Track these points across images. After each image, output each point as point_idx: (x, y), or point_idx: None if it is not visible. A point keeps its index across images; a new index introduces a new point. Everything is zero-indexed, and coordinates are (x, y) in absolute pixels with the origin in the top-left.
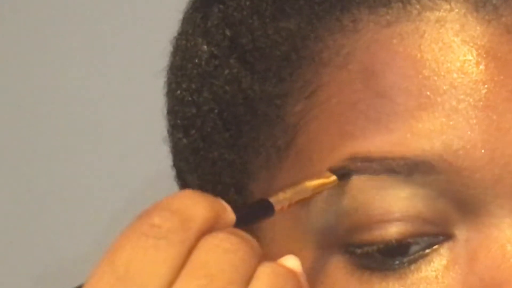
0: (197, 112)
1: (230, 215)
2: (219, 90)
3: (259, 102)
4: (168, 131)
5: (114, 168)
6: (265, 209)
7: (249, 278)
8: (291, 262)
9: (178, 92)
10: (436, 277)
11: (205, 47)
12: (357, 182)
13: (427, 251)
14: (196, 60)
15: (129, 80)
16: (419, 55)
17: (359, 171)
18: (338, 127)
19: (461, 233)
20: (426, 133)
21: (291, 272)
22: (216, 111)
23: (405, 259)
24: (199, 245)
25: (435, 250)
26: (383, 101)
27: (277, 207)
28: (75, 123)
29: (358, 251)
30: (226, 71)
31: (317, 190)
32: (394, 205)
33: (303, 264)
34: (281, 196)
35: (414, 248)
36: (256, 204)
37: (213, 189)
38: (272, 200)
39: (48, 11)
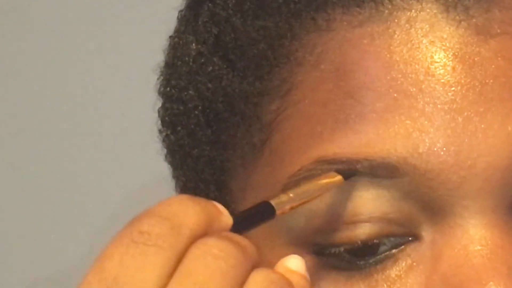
0: (183, 109)
1: (225, 219)
2: (203, 87)
3: (238, 100)
4: (158, 128)
5: (112, 170)
6: (266, 211)
7: (240, 285)
8: (294, 262)
9: (168, 89)
10: (400, 276)
11: (194, 45)
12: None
13: (394, 251)
14: (186, 58)
15: (129, 80)
16: (388, 55)
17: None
18: (309, 128)
19: (427, 233)
20: (392, 136)
21: (284, 279)
22: (200, 108)
23: (372, 259)
24: (189, 252)
25: (402, 250)
26: (352, 102)
27: (278, 210)
28: (74, 124)
29: (326, 251)
30: (210, 69)
31: (321, 191)
32: (361, 207)
33: (273, 261)
34: (282, 198)
35: (382, 249)
36: (256, 207)
37: (196, 186)
38: (273, 202)
39: (47, 10)
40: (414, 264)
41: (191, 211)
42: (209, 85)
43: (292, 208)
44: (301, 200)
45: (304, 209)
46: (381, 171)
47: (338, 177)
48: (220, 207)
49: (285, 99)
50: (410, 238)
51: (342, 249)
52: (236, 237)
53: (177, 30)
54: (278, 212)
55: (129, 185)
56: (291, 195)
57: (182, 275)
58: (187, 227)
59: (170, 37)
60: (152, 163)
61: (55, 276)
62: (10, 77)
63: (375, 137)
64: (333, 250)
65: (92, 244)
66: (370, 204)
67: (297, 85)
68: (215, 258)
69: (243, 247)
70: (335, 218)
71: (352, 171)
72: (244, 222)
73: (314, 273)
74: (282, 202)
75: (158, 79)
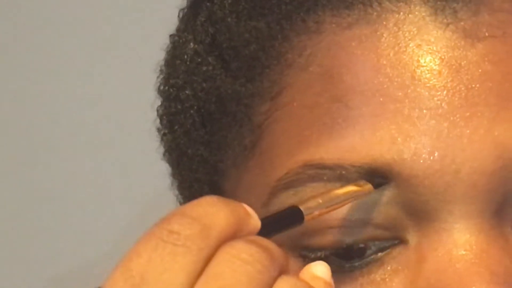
0: (180, 108)
1: (254, 222)
2: (198, 87)
3: (230, 101)
4: (157, 127)
5: (113, 169)
6: (295, 216)
7: None
8: (320, 269)
9: (166, 88)
10: (385, 280)
11: (191, 44)
12: (310, 189)
13: (380, 254)
14: (184, 57)
15: (130, 79)
16: (375, 59)
17: (313, 179)
18: (297, 131)
19: (412, 238)
20: (377, 141)
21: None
22: (195, 107)
23: (358, 262)
24: (217, 255)
25: (388, 254)
26: (339, 106)
27: (307, 215)
28: (75, 123)
29: (311, 255)
30: (205, 68)
31: (350, 199)
32: (347, 211)
33: None
34: (311, 203)
35: (368, 252)
36: (285, 211)
37: (190, 185)
38: (302, 207)
39: (47, 9)
40: (399, 267)
41: (221, 213)
42: (204, 85)
43: (321, 214)
44: (330, 206)
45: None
46: (366, 177)
47: (368, 186)
48: (249, 209)
49: (275, 101)
50: (396, 242)
51: (328, 252)
52: (265, 241)
53: (177, 29)
54: (307, 217)
55: (129, 184)
56: (320, 200)
57: (209, 278)
58: (217, 229)
59: (171, 36)
60: (153, 163)
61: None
62: (10, 77)
63: (361, 142)
64: (320, 254)
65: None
66: (356, 209)
67: (287, 87)
68: (243, 263)
69: (271, 252)
70: (322, 222)
71: (383, 180)
72: (272, 226)
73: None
74: (311, 207)
75: (157, 77)
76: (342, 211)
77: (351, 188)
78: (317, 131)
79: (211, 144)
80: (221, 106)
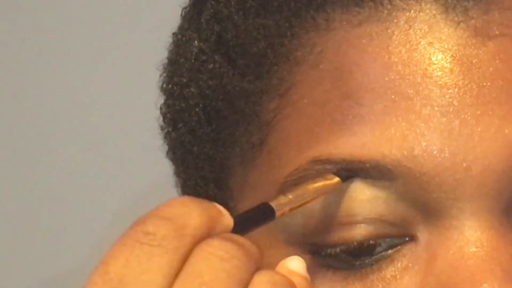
0: (185, 106)
1: (227, 220)
2: (204, 85)
3: (237, 98)
4: (160, 125)
5: (114, 169)
6: (266, 213)
7: (244, 286)
8: (295, 264)
9: (170, 86)
10: (395, 277)
11: (196, 42)
12: (321, 185)
13: (390, 251)
14: (188, 55)
15: (132, 77)
16: (386, 56)
17: (321, 175)
18: (307, 128)
19: (422, 235)
20: (387, 138)
21: (288, 281)
22: (200, 105)
23: (368, 260)
24: (193, 253)
25: (398, 251)
26: (349, 103)
27: (278, 211)
28: (77, 122)
29: (323, 252)
30: (211, 66)
31: (319, 193)
32: (356, 208)
33: (271, 260)
34: (282, 199)
35: (378, 249)
36: (256, 209)
37: (195, 184)
38: (273, 204)
39: (49, 6)
40: (410, 264)
41: (194, 212)
42: (210, 82)
43: (291, 210)
44: (300, 201)
45: (300, 210)
46: (375, 173)
47: (336, 179)
48: (221, 208)
49: (284, 98)
50: (406, 239)
51: (338, 249)
52: (239, 238)
53: (180, 27)
54: (277, 213)
55: (131, 183)
56: (290, 196)
57: (187, 276)
58: (191, 228)
59: (174, 34)
60: (155, 161)
61: (59, 277)
62: (12, 76)
63: (371, 138)
64: (329, 251)
65: (94, 245)
66: (365, 206)
67: (296, 85)
68: (220, 259)
69: (246, 248)
70: (331, 219)
71: (350, 173)
72: (245, 223)
73: (311, 273)
74: (281, 203)
75: (161, 76)
76: (351, 208)
77: (320, 183)
78: (327, 127)
79: (218, 141)
80: (228, 104)
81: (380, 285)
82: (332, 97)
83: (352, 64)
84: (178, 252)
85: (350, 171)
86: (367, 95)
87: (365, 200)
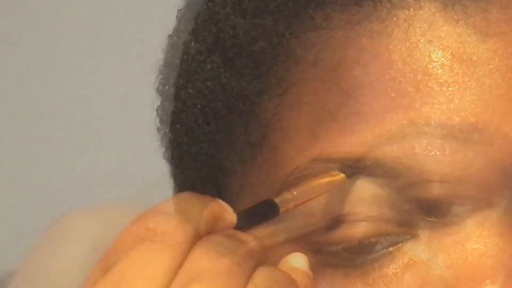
0: (181, 107)
1: (230, 216)
2: (201, 86)
3: (236, 98)
4: (156, 127)
5: (112, 169)
6: (270, 209)
7: (245, 282)
8: (298, 260)
9: (167, 87)
10: (397, 274)
11: (193, 43)
12: (318, 183)
13: (391, 249)
14: (185, 57)
15: (128, 79)
16: (386, 54)
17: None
18: (307, 126)
19: (423, 232)
20: (388, 136)
21: (288, 277)
22: (198, 106)
23: (369, 257)
24: (194, 249)
25: (399, 248)
26: (349, 101)
27: (282, 208)
28: (73, 123)
29: (323, 249)
30: (208, 67)
31: (324, 189)
32: (357, 206)
33: (273, 257)
34: (286, 195)
35: (378, 247)
36: (260, 205)
37: (193, 184)
38: (277, 200)
39: (45, 8)
40: (411, 262)
41: (196, 209)
42: (208, 83)
43: (296, 206)
44: (305, 198)
45: (301, 208)
46: (376, 171)
47: (341, 175)
48: (224, 204)
49: (283, 97)
50: (407, 237)
51: (339, 247)
52: (241, 234)
53: (176, 29)
54: (282, 210)
55: (128, 183)
56: (294, 193)
57: (187, 271)
58: (193, 224)
59: (169, 36)
60: (152, 162)
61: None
62: (12, 76)
63: (371, 137)
64: (330, 248)
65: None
66: (367, 204)
67: (296, 84)
68: (220, 255)
69: (247, 244)
70: (333, 217)
71: (355, 170)
72: (248, 220)
73: (312, 271)
74: (286, 199)
75: (156, 77)
76: (353, 206)
77: (324, 179)
78: (327, 126)
79: (216, 141)
80: (226, 104)
81: (382, 283)
82: (331, 95)
83: (352, 62)
84: (179, 248)
85: (352, 168)
86: (367, 93)
87: (366, 198)
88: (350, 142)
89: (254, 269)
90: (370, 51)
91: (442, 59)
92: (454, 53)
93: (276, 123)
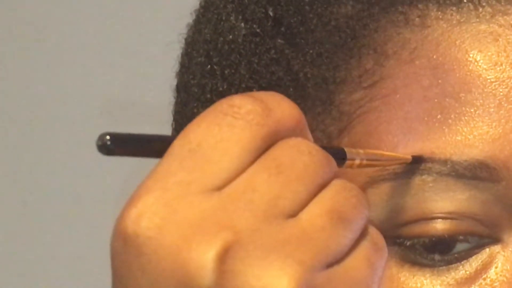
0: (228, 88)
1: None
2: (262, 70)
3: (310, 86)
4: (183, 103)
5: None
6: (338, 156)
7: (318, 184)
8: None
9: (208, 66)
10: (475, 277)
11: (242, 24)
12: (418, 181)
13: (472, 251)
14: (230, 36)
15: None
16: (492, 56)
17: (421, 171)
18: (402, 123)
19: (509, 238)
20: (492, 137)
21: (359, 190)
22: (254, 90)
23: (448, 257)
24: (277, 144)
25: (480, 251)
26: (451, 101)
27: (349, 159)
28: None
29: (406, 243)
30: (272, 52)
31: (389, 162)
32: (451, 206)
33: None
34: (355, 151)
35: (459, 247)
36: (330, 148)
37: None
38: (346, 150)
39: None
40: (490, 266)
41: (285, 103)
42: (272, 68)
43: (359, 166)
44: (369, 161)
45: (392, 203)
46: (479, 173)
47: (408, 157)
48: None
49: (370, 90)
50: (490, 240)
51: (421, 241)
52: (321, 149)
53: (211, 5)
54: (348, 161)
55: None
56: (361, 151)
57: (267, 158)
58: (279, 113)
59: (200, 11)
60: None
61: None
62: (12, 75)
63: (474, 137)
64: (411, 242)
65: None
66: (461, 205)
67: (386, 79)
68: (301, 154)
69: (328, 156)
70: (423, 215)
71: (421, 158)
72: None
73: (391, 264)
74: (353, 153)
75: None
76: (447, 206)
77: (393, 153)
78: (427, 125)
79: None
80: (298, 90)
81: (457, 283)
82: (431, 94)
83: (453, 63)
84: (260, 131)
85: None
86: (470, 94)
87: (462, 199)
88: (453, 143)
89: (330, 179)
90: (475, 52)
91: None
92: None
93: (361, 116)
